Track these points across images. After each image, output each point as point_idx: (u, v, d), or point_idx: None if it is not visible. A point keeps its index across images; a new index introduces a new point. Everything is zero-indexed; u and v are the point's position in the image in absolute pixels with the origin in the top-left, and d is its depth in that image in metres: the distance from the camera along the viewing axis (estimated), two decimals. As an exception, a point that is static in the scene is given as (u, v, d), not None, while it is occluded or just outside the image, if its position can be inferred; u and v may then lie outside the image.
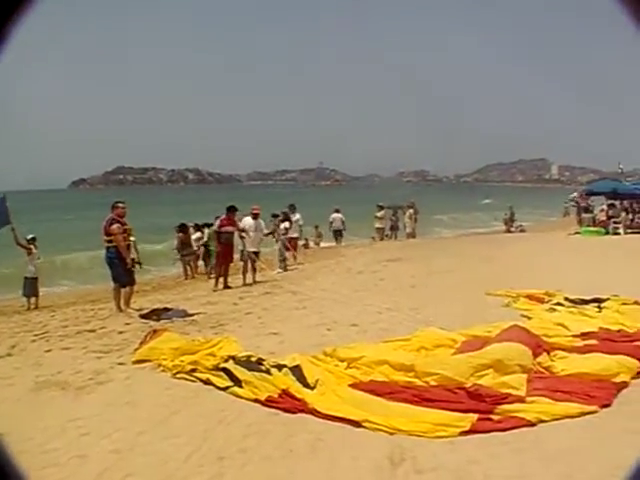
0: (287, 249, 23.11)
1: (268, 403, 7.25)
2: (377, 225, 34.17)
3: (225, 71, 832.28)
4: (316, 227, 34.67)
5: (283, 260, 22.22)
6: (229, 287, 18.43)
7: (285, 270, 21.68)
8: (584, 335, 9.49)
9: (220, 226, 18.74)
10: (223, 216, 18.98)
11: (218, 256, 19.03)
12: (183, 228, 25.74)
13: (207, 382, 8.12)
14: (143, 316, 13.57)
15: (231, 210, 18.96)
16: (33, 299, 19.09)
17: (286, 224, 23.18)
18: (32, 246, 19.18)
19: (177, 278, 24.90)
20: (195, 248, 25.64)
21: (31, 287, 19.06)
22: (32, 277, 19.04)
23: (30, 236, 19.51)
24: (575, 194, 37.90)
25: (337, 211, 32.82)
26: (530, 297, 13.11)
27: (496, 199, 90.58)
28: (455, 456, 5.70)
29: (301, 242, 29.38)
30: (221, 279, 18.65)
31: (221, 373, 8.19)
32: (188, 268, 25.19)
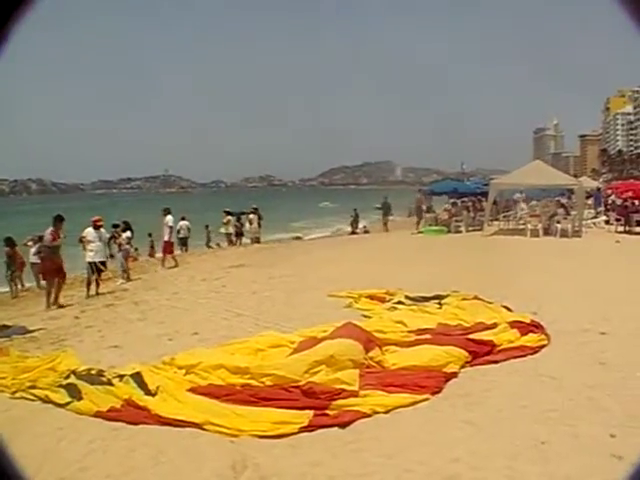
0: (127, 259, 22.88)
1: (110, 414, 7.19)
2: (223, 230, 34.17)
3: (68, 74, 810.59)
4: (149, 234, 34.23)
5: (124, 271, 21.93)
6: (62, 306, 17.22)
7: (128, 280, 21.40)
8: (420, 331, 9.89)
9: (52, 240, 17.62)
10: (51, 229, 17.79)
11: (47, 272, 18.10)
12: (10, 243, 24.71)
13: (46, 400, 7.93)
14: (-20, 335, 13.09)
15: (58, 220, 18.01)
16: None
17: (128, 233, 22.93)
18: None
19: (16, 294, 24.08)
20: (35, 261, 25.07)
21: None
22: None
23: None
24: (418, 195, 38.89)
25: (183, 219, 32.63)
26: (371, 297, 13.47)
27: (339, 202, 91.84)
28: (297, 459, 5.81)
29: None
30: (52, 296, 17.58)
31: (60, 389, 8.04)
32: (15, 286, 24.17)
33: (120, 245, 22.09)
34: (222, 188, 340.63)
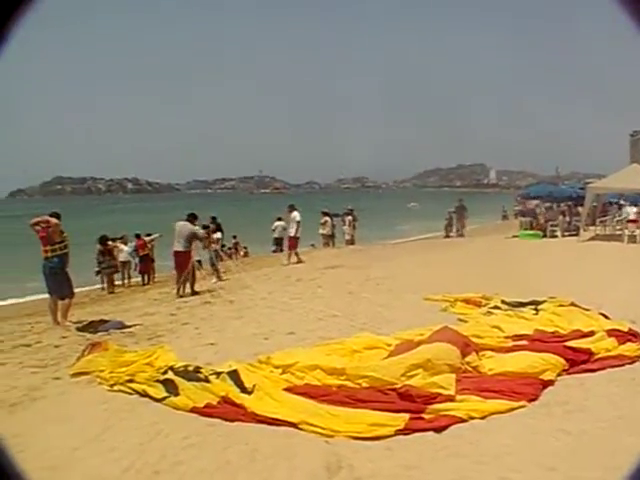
0: (220, 259, 23.21)
1: (206, 410, 7.24)
2: (321, 231, 34.03)
3: (160, 77, 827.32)
4: (234, 237, 34.55)
5: (216, 270, 22.16)
6: (196, 292, 18.58)
7: (220, 279, 21.60)
8: (517, 337, 9.70)
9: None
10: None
11: (180, 263, 18.77)
12: (104, 240, 25.42)
13: (143, 394, 8.05)
14: (80, 329, 13.35)
15: (193, 217, 19.25)
16: None
17: (218, 234, 23.16)
18: None
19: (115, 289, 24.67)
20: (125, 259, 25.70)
21: None
22: None
23: None
24: (517, 199, 38.37)
25: (279, 219, 32.86)
26: (467, 301, 13.28)
27: (429, 203, 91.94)
28: (392, 462, 5.72)
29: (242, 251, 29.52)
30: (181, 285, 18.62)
31: (157, 384, 8.14)
32: (109, 282, 24.95)
33: (211, 245, 22.29)
34: (316, 189, 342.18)
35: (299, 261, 25.68)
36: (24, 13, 1.82)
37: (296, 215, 26.13)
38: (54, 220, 13.95)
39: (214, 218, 26.92)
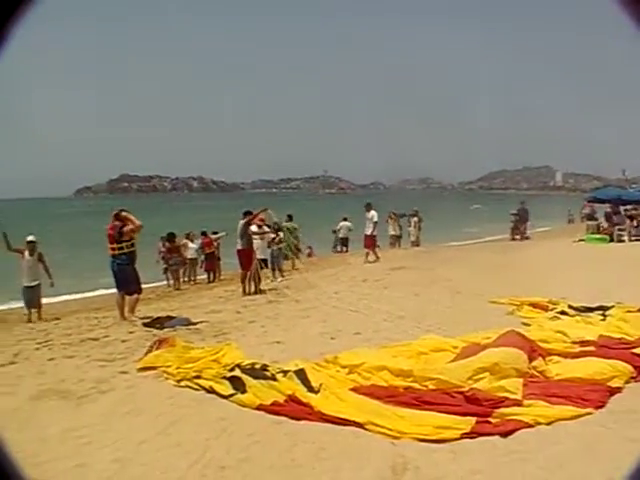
0: (285, 258, 23.39)
1: (273, 408, 7.26)
2: (391, 232, 33.79)
3: (228, 77, 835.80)
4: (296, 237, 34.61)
5: (280, 269, 22.25)
6: (262, 291, 18.71)
7: (284, 278, 21.66)
8: (583, 343, 9.52)
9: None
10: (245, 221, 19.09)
11: (245, 261, 18.94)
12: (171, 238, 25.73)
13: (210, 390, 8.10)
14: (146, 324, 13.51)
15: (250, 214, 19.31)
16: (35, 310, 17.23)
17: (280, 234, 23.22)
18: (27, 251, 17.14)
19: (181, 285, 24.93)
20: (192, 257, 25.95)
21: (31, 296, 17.26)
22: (31, 285, 17.16)
23: (30, 238, 17.35)
24: (585, 202, 37.76)
25: (345, 219, 32.83)
26: (534, 305, 13.07)
27: (493, 205, 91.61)
28: (458, 466, 5.66)
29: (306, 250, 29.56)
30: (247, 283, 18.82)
31: (224, 381, 8.18)
32: (175, 279, 25.25)
33: (272, 244, 22.31)
34: (381, 190, 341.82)
35: (376, 259, 25.80)
36: (24, 13, 1.82)
37: (374, 214, 26.30)
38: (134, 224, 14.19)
39: (290, 216, 27.01)
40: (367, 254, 26.26)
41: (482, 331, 10.21)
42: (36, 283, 17.24)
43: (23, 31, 1.84)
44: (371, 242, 26.39)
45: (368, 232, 26.21)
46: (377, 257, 25.99)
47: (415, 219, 34.84)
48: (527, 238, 38.19)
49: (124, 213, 14.43)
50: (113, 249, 14.21)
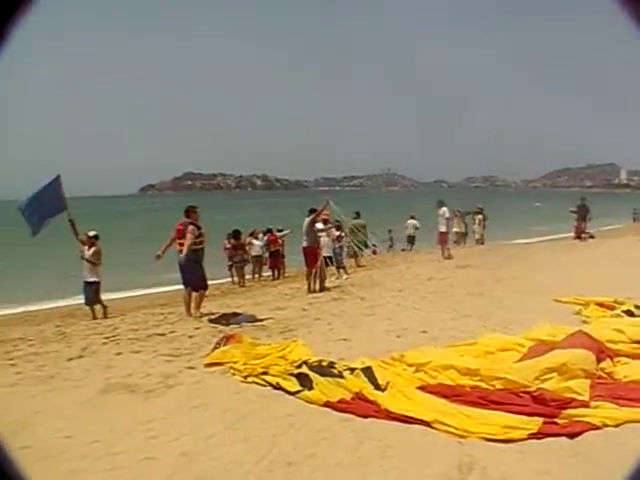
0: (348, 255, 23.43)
1: (340, 405, 7.26)
2: (455, 229, 33.51)
3: (288, 76, 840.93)
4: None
5: (343, 267, 22.27)
6: (327, 288, 18.73)
7: (348, 276, 21.70)
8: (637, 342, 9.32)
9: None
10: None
11: (310, 258, 18.87)
12: (236, 235, 25.92)
13: (277, 386, 8.12)
14: (212, 320, 13.62)
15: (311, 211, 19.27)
16: (98, 307, 16.90)
17: (341, 232, 23.18)
18: (87, 245, 16.71)
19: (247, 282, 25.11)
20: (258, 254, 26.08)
21: (92, 293, 16.89)
22: (92, 281, 16.81)
23: (92, 233, 16.84)
24: None
25: (412, 217, 32.75)
26: (600, 304, 12.88)
27: (560, 204, 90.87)
28: (525, 466, 5.61)
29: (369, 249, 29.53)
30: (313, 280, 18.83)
31: (291, 377, 8.20)
32: (239, 276, 25.45)
33: (336, 242, 22.26)
34: (444, 187, 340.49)
35: (449, 256, 25.85)
36: (24, 13, 1.82)
37: (445, 211, 26.41)
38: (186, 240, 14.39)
39: (357, 213, 27.09)
40: (442, 251, 26.35)
41: (543, 325, 10.32)
42: (94, 279, 16.87)
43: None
44: (444, 239, 26.49)
45: (442, 229, 26.30)
46: (450, 255, 25.98)
47: (480, 217, 34.60)
48: (592, 237, 37.63)
49: (195, 210, 14.59)
50: (181, 244, 14.33)
